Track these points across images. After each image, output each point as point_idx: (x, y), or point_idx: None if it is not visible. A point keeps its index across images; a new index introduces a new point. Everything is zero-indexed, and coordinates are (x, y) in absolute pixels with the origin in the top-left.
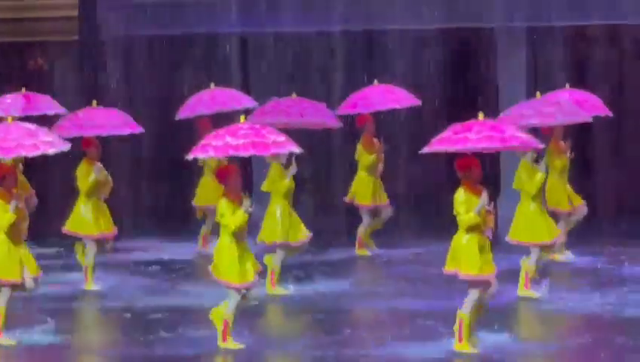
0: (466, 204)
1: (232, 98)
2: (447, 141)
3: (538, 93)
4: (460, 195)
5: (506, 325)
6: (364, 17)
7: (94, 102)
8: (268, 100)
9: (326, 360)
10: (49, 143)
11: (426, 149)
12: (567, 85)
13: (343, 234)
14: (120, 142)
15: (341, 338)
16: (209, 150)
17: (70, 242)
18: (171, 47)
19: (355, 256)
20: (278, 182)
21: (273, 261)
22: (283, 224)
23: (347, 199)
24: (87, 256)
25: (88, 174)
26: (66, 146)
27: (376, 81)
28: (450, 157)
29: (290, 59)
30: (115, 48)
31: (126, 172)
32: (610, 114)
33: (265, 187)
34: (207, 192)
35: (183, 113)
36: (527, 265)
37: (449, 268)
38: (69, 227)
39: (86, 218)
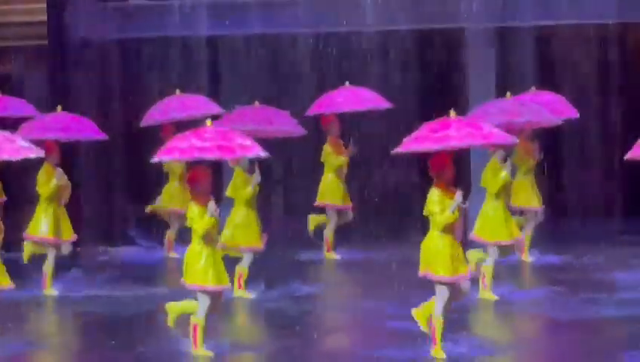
0: (441, 204)
1: (199, 104)
2: (426, 140)
3: (508, 94)
4: (434, 195)
5: (470, 327)
6: (335, 19)
7: (59, 107)
8: (233, 107)
9: None
10: (28, 148)
11: (401, 149)
12: (534, 88)
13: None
14: (89, 147)
15: (312, 341)
16: (174, 152)
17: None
18: (141, 51)
19: (324, 258)
20: (241, 189)
21: (241, 264)
22: (243, 229)
23: (318, 202)
24: (46, 261)
25: (49, 179)
26: (41, 152)
27: (347, 83)
28: (422, 159)
29: (260, 61)
30: (83, 53)
31: (94, 176)
32: (577, 114)
33: (228, 193)
34: (171, 197)
35: (147, 120)
36: (485, 266)
37: (423, 270)
38: (30, 232)
39: (45, 223)
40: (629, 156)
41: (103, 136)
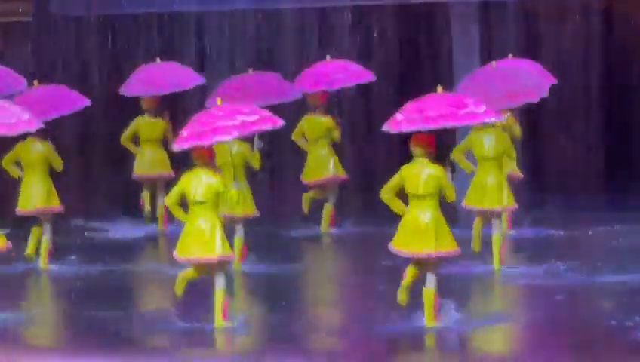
0: None
1: (181, 76)
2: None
3: (494, 63)
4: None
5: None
6: None
7: (35, 82)
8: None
9: (293, 339)
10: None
11: (394, 128)
12: (511, 55)
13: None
14: (72, 120)
15: (307, 317)
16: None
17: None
18: (125, 27)
19: (320, 234)
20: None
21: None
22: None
23: (321, 179)
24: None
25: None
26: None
27: (328, 57)
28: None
29: (244, 36)
30: (68, 28)
31: (77, 151)
32: (555, 81)
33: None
34: (150, 163)
35: (129, 90)
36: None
37: (441, 249)
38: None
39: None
40: None
41: (85, 102)
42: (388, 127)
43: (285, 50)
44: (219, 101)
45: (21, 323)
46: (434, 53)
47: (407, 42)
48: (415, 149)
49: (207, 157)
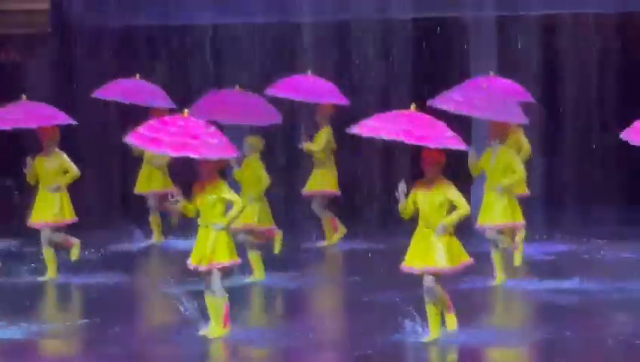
0: None
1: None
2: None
3: (485, 85)
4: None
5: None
6: (336, 7)
7: (23, 96)
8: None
9: (302, 351)
10: None
11: (360, 130)
12: (491, 72)
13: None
14: (89, 131)
15: (317, 329)
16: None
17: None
18: (143, 38)
19: (325, 246)
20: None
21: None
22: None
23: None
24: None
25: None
26: None
27: (309, 72)
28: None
29: (260, 49)
30: (86, 39)
31: (95, 162)
32: (532, 100)
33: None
34: (149, 180)
35: (103, 93)
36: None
37: (458, 262)
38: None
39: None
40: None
41: (69, 121)
42: (359, 131)
43: (303, 64)
44: (185, 112)
45: (34, 335)
46: (451, 67)
47: (423, 55)
48: (426, 166)
49: None
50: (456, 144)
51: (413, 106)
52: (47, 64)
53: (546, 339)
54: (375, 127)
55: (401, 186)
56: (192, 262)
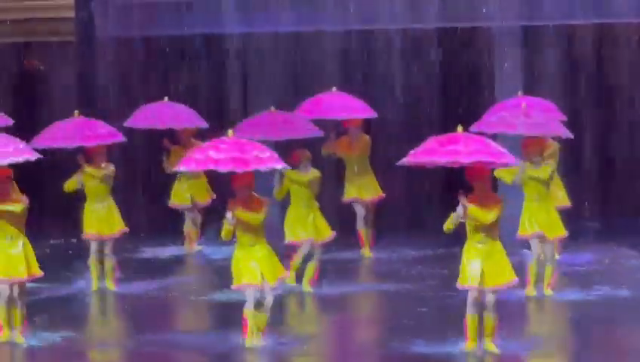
0: None
1: (186, 116)
2: (434, 152)
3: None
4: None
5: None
6: (362, 17)
7: (76, 112)
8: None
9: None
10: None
11: (407, 160)
12: (520, 92)
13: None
14: (116, 145)
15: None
16: (192, 163)
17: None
18: (168, 48)
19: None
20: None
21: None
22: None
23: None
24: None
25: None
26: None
27: (334, 89)
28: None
29: (287, 59)
30: (111, 49)
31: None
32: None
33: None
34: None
35: (134, 122)
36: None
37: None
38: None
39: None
40: None
41: (119, 139)
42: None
43: (327, 75)
44: (230, 132)
45: (85, 342)
46: (476, 77)
47: (449, 66)
48: (480, 180)
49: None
50: (508, 159)
51: (460, 128)
52: (70, 73)
53: (577, 350)
54: (425, 152)
55: (463, 199)
56: (266, 281)
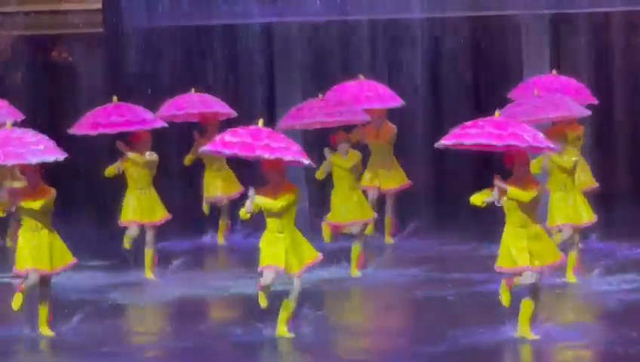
0: None
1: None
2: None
3: (536, 92)
4: None
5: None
6: (389, 6)
7: (115, 98)
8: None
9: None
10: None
11: (446, 141)
12: (554, 71)
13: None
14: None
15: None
16: (208, 145)
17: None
18: (195, 38)
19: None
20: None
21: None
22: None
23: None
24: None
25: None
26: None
27: (361, 76)
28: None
29: (313, 48)
30: (139, 40)
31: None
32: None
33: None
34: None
35: (165, 112)
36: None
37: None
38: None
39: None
40: None
41: (161, 124)
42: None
43: (353, 64)
44: (260, 122)
45: (119, 333)
46: (504, 65)
47: (477, 55)
48: (514, 164)
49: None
50: (546, 144)
51: (497, 113)
52: (99, 64)
53: (615, 338)
54: (462, 135)
55: (499, 182)
56: (290, 270)
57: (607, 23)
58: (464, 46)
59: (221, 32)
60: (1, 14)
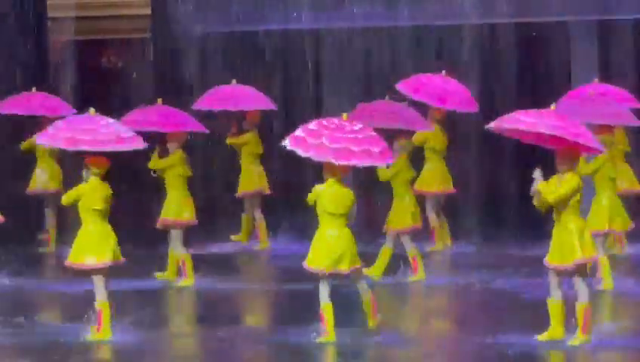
0: None
1: (255, 98)
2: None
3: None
4: None
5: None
6: (436, 12)
7: (159, 100)
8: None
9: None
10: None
11: (501, 124)
12: (596, 79)
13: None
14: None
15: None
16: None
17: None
18: (243, 43)
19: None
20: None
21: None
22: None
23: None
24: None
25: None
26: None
27: (444, 72)
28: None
29: (362, 53)
30: (187, 45)
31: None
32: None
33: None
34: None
35: (200, 104)
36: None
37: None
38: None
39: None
40: None
41: (203, 129)
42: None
43: (402, 70)
44: (344, 116)
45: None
46: (552, 71)
47: (523, 61)
48: (561, 161)
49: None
50: (594, 143)
51: (553, 106)
52: (146, 69)
53: None
54: (526, 122)
55: (537, 173)
56: (344, 267)
57: None
58: (511, 52)
59: (268, 37)
60: (53, 19)
